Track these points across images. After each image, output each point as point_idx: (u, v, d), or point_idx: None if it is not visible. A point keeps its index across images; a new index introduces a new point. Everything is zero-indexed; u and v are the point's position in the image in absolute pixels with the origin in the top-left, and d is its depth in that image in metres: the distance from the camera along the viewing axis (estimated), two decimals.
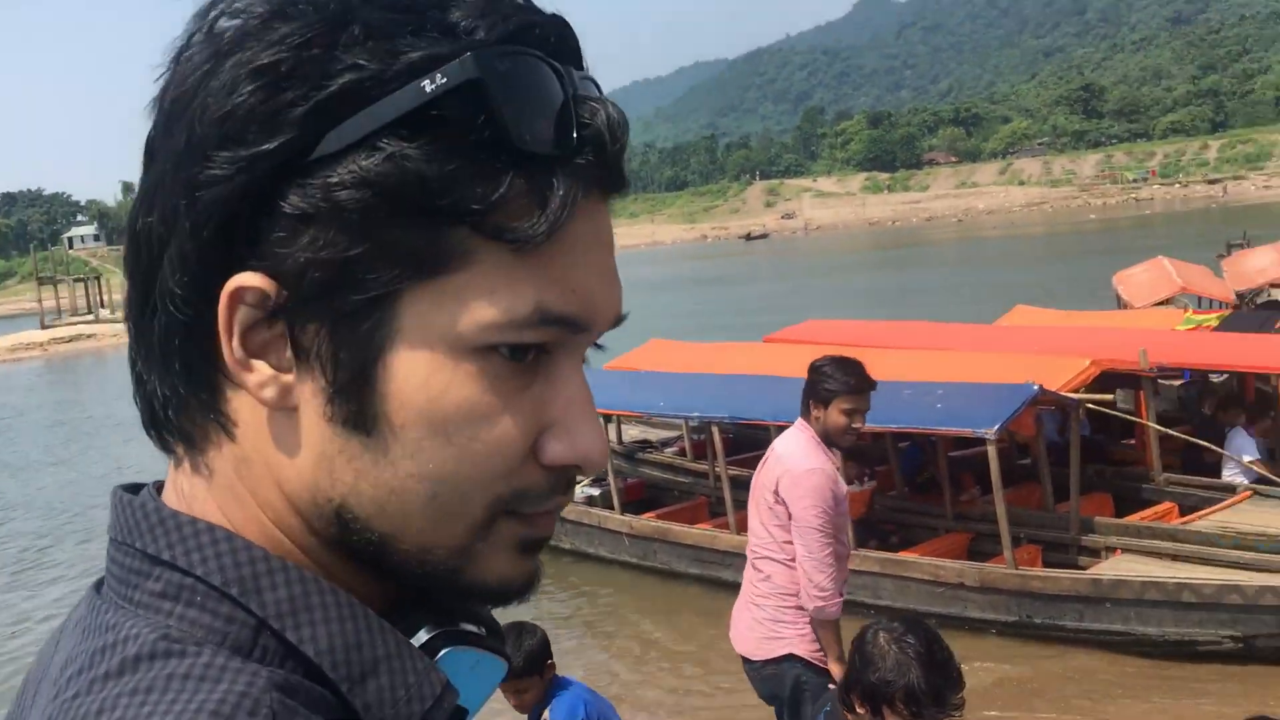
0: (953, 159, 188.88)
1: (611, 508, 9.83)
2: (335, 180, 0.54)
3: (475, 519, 0.59)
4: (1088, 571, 7.52)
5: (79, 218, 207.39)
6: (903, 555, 8.05)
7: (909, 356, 9.28)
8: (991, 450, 7.30)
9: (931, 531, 8.87)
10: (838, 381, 4.25)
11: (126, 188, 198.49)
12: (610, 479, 9.89)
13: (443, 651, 0.60)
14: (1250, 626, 6.75)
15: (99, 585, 0.62)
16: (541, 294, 0.57)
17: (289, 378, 0.57)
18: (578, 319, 0.59)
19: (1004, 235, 74.81)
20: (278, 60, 0.54)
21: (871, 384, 4.34)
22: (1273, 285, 16.23)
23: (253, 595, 0.56)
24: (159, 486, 0.64)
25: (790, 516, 4.19)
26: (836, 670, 4.26)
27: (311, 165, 0.54)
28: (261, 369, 0.57)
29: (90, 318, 58.94)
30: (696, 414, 9.28)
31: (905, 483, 9.67)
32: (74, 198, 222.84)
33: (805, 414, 4.35)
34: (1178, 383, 10.74)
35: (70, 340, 48.66)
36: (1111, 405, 8.37)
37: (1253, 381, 10.05)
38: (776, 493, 4.24)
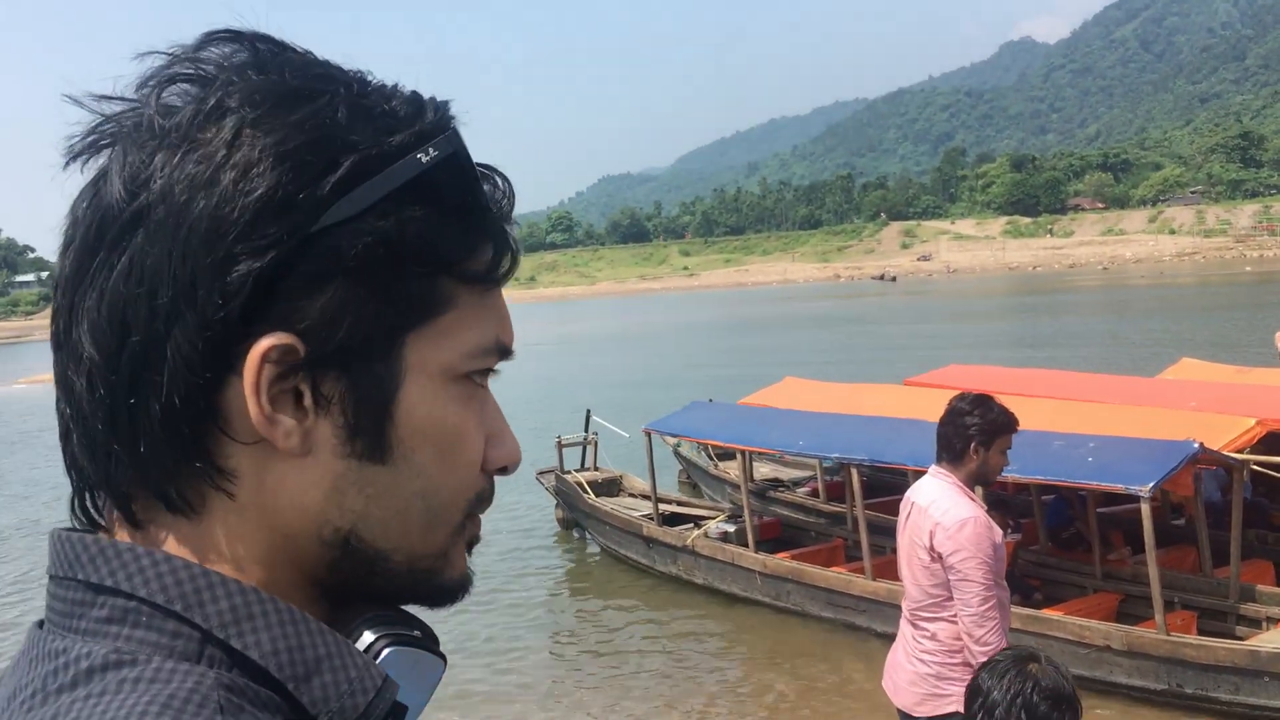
0: (1099, 205, 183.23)
1: (746, 545, 9.76)
2: (351, 243, 0.61)
3: (454, 524, 0.69)
4: (1247, 642, 7.13)
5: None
6: (1046, 613, 7.77)
7: (1057, 406, 9.00)
8: (1145, 509, 7.00)
9: (1079, 590, 8.54)
10: (996, 421, 4.12)
11: None
12: (745, 516, 9.83)
13: (385, 652, 0.65)
14: None
15: (40, 624, 0.65)
16: (497, 328, 0.69)
17: (309, 423, 0.63)
18: (510, 348, 0.71)
19: (1154, 285, 72.12)
20: (297, 146, 0.61)
21: (1017, 421, 4.25)
22: None
23: (196, 609, 0.60)
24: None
25: (946, 569, 4.05)
26: None
27: (321, 232, 0.61)
28: (285, 420, 0.62)
29: None
30: (835, 455, 9.14)
31: (1049, 537, 9.35)
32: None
33: (951, 458, 4.18)
34: None
35: None
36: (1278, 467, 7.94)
37: None
38: (931, 548, 4.06)
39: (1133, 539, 8.09)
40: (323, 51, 0.68)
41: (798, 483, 12.49)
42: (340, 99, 0.63)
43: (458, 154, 0.65)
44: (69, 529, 0.65)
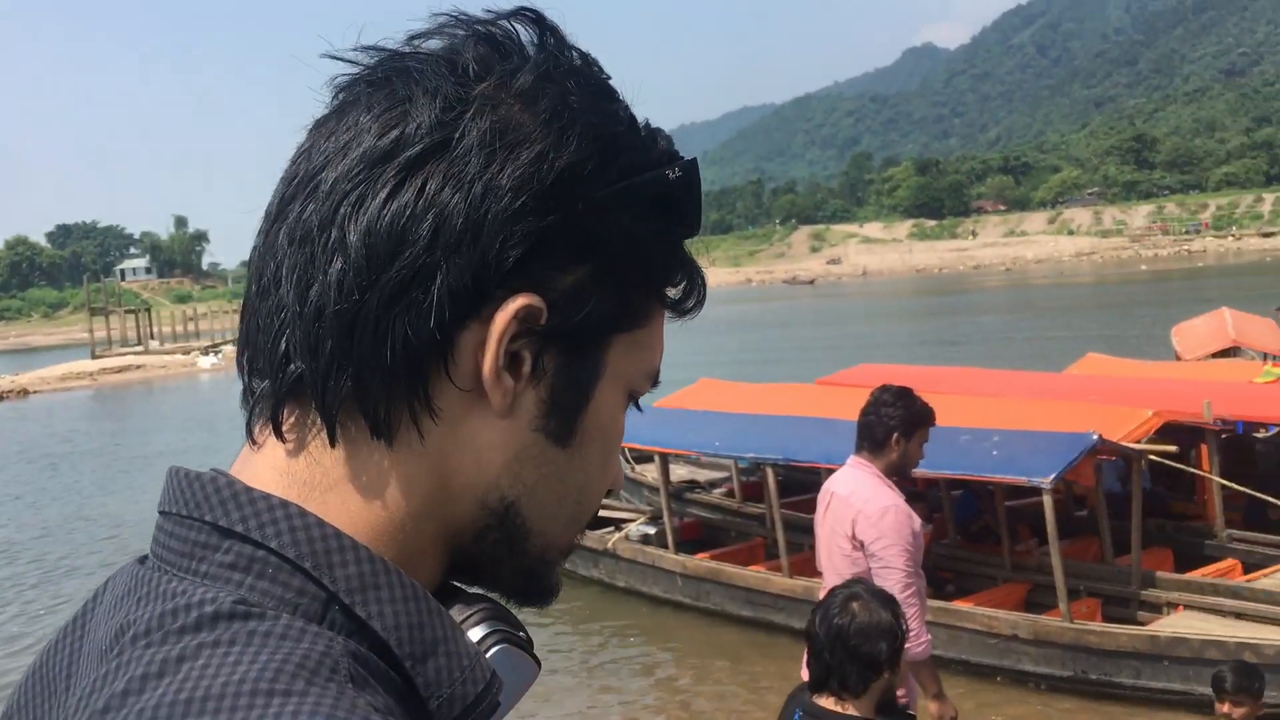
0: (1001, 207, 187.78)
1: (666, 547, 9.80)
2: (606, 231, 0.64)
3: (582, 526, 0.71)
4: (1146, 627, 7.38)
5: (131, 250, 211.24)
6: (956, 604, 7.94)
7: (965, 402, 9.18)
8: (1047, 500, 7.20)
9: (989, 581, 8.74)
10: (918, 413, 4.23)
11: (179, 221, 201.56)
12: (665, 518, 9.87)
13: (495, 648, 0.65)
14: None
15: (142, 560, 0.64)
16: (659, 357, 0.71)
17: (521, 388, 0.64)
18: (659, 379, 0.73)
19: (1055, 284, 74.13)
20: (606, 133, 0.65)
21: (935, 414, 4.38)
22: None
23: (325, 570, 0.59)
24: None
25: (869, 557, 4.12)
26: (936, 709, 4.21)
27: (589, 213, 0.64)
28: (507, 379, 0.63)
29: (139, 348, 58.57)
30: (750, 454, 9.24)
31: (959, 531, 9.56)
32: (128, 230, 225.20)
33: (871, 448, 4.26)
34: (1265, 434, 10.17)
35: (119, 370, 48.57)
36: (1175, 457, 8.21)
37: None
38: (853, 536, 4.13)
39: (1039, 531, 8.30)
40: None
41: (714, 484, 12.57)
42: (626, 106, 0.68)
43: (696, 181, 0.68)
44: (189, 469, 0.64)
